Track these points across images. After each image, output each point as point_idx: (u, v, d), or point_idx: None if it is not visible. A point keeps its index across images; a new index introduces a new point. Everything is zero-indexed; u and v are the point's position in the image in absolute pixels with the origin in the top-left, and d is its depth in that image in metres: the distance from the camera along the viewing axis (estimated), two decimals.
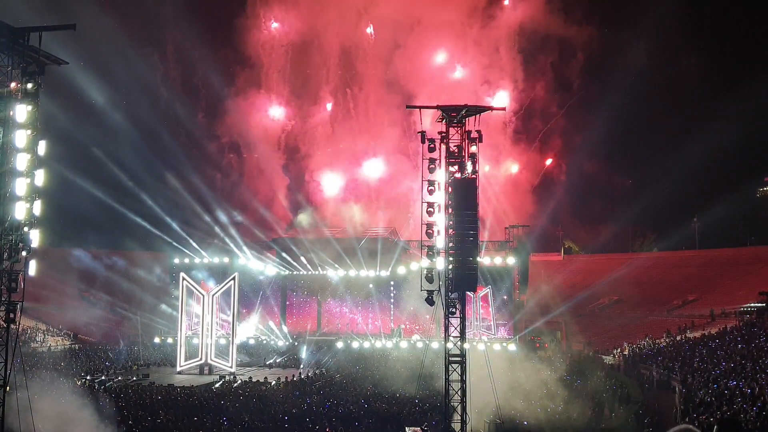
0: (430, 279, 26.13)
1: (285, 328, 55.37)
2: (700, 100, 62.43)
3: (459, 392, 24.63)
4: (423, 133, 26.31)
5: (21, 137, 22.46)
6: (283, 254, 55.57)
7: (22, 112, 22.53)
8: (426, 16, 67.43)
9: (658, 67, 62.83)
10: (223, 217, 58.33)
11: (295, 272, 56.01)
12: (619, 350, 47.22)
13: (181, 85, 69.55)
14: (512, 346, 48.02)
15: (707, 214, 59.77)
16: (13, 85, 22.72)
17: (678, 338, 44.56)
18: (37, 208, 23.12)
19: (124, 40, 59.66)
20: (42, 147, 23.17)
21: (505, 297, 53.34)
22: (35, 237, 23.11)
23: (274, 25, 70.42)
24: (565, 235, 70.47)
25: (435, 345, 42.84)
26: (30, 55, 23.06)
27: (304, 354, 47.56)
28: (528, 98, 68.60)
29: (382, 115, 68.49)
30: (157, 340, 52.29)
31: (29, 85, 22.94)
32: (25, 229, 22.76)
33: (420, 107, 27.42)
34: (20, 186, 22.46)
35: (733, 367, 31.72)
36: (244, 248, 55.57)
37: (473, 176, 25.95)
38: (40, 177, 23.16)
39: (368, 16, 69.32)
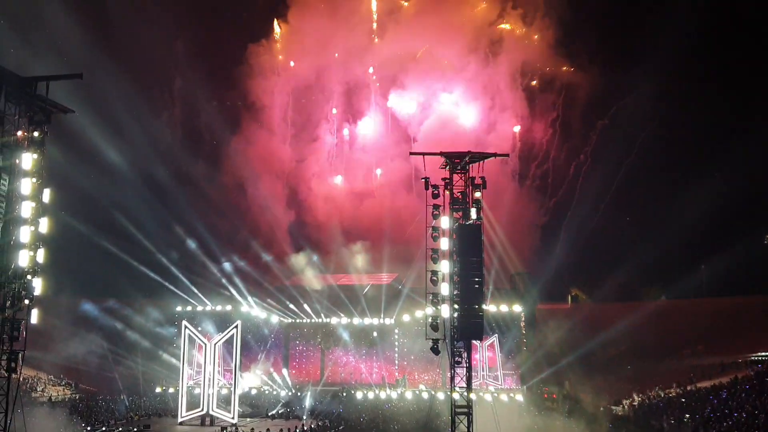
0: (435, 327, 25.90)
1: (288, 378, 54.69)
2: (708, 146, 62.48)
3: None
4: (427, 179, 26.36)
5: (26, 185, 22.59)
6: (286, 302, 55.17)
7: (28, 160, 22.69)
8: (426, 56, 68.47)
9: (664, 111, 63.02)
10: (226, 265, 58.12)
11: (298, 320, 55.58)
12: (629, 401, 46.46)
13: (186, 131, 70.29)
14: (520, 397, 47.30)
15: (715, 262, 59.33)
16: (19, 133, 22.93)
17: (688, 388, 43.87)
18: (41, 256, 23.11)
19: (130, 87, 60.41)
20: (47, 195, 23.26)
21: (512, 346, 52.71)
22: (38, 285, 23.04)
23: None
24: (572, 283, 69.91)
25: (441, 395, 42.34)
26: (37, 104, 23.30)
27: (307, 404, 46.90)
28: (531, 141, 69.22)
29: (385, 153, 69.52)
30: (158, 389, 51.72)
31: (36, 134, 23.17)
32: (29, 277, 22.70)
33: (423, 154, 27.45)
34: (24, 234, 22.49)
35: (745, 419, 31.12)
36: (248, 296, 55.25)
37: (478, 222, 25.89)
38: (45, 225, 23.20)
39: (370, 55, 70.41)
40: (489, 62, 69.13)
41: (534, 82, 69.29)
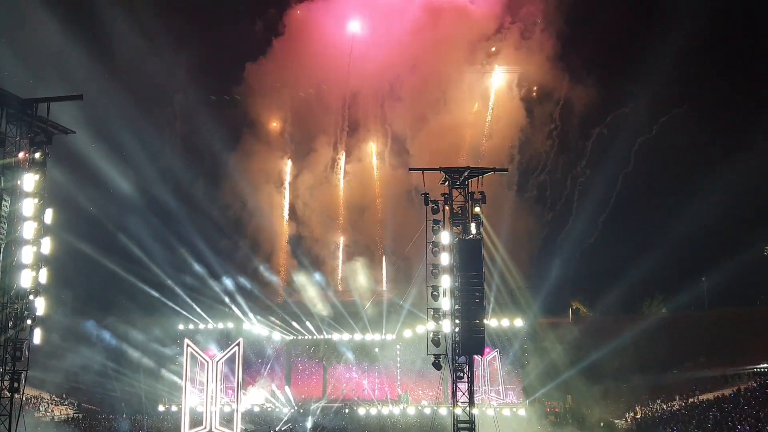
0: (436, 342, 25.95)
1: (290, 395, 54.59)
2: (707, 156, 62.59)
3: None
4: (426, 194, 26.50)
5: (28, 206, 22.73)
6: (288, 318, 55.14)
7: (29, 181, 22.85)
8: (423, 65, 68.83)
9: (663, 123, 63.33)
10: (228, 283, 58.14)
11: (300, 337, 55.50)
12: (631, 414, 46.35)
13: (186, 149, 70.49)
14: (522, 411, 47.21)
15: (715, 273, 59.28)
16: (21, 154, 23.10)
17: (691, 401, 43.77)
18: (43, 276, 23.20)
19: (131, 107, 60.76)
20: (49, 215, 23.38)
21: (513, 360, 52.65)
22: (40, 305, 23.12)
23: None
24: (573, 296, 69.85)
25: (443, 411, 42.23)
26: (38, 125, 23.49)
27: (309, 422, 46.81)
28: (530, 153, 69.44)
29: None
30: (161, 407, 51.62)
31: (37, 155, 23.34)
32: (31, 297, 22.79)
33: (423, 169, 27.56)
34: (26, 254, 22.61)
35: (748, 431, 31.11)
36: (249, 314, 55.23)
37: (478, 237, 25.99)
38: (47, 245, 23.30)
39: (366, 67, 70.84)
40: (485, 73, 69.55)
41: (534, 93, 69.52)
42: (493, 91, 69.72)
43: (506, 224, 65.80)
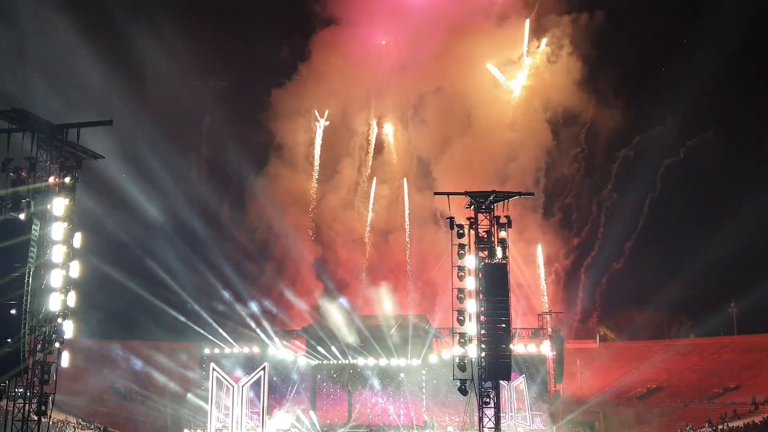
0: (462, 367, 25.75)
1: (315, 419, 54.32)
2: (737, 180, 62.02)
3: None
4: (452, 219, 26.45)
5: (57, 230, 22.97)
6: (313, 343, 54.99)
7: (59, 205, 23.11)
8: (447, 86, 69.01)
9: (690, 146, 62.90)
10: (254, 307, 58.23)
11: (325, 361, 55.30)
12: None
13: (213, 173, 71.22)
14: None
15: (745, 298, 58.44)
16: (51, 179, 23.39)
17: (720, 427, 42.96)
18: (72, 299, 23.38)
19: (159, 132, 61.59)
20: (78, 239, 23.61)
21: (540, 386, 52.02)
22: (69, 328, 23.28)
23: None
24: (600, 321, 69.18)
25: None
26: (68, 150, 23.82)
27: None
28: (556, 176, 69.23)
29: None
30: (186, 431, 51.58)
31: (67, 179, 23.63)
32: (59, 320, 22.96)
33: (448, 194, 27.50)
34: (55, 278, 22.80)
35: None
36: (275, 338, 55.18)
37: (503, 261, 25.84)
38: (75, 269, 23.51)
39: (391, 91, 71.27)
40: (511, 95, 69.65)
41: (561, 119, 69.36)
42: (518, 113, 69.67)
43: (532, 248, 65.62)
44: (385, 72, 71.51)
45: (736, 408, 47.60)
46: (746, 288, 56.40)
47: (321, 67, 71.35)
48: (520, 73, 69.58)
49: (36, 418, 22.59)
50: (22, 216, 21.99)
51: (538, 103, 69.44)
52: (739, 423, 42.64)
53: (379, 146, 73.07)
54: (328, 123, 72.27)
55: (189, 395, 54.47)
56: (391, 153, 72.54)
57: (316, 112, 71.73)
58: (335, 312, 58.35)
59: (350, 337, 54.26)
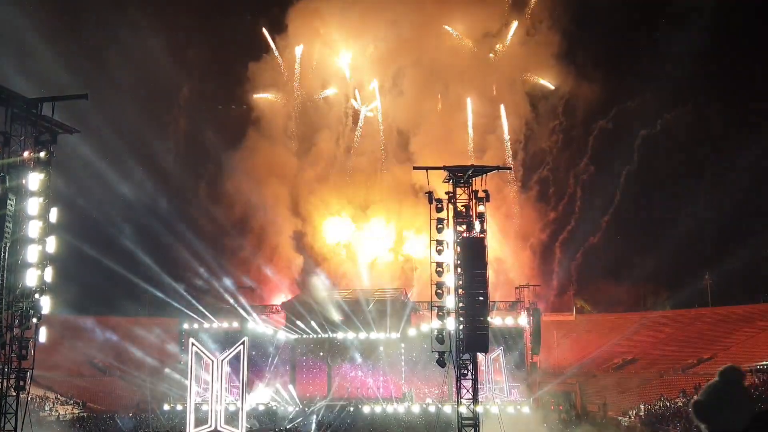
0: (440, 340, 25.95)
1: (295, 393, 54.64)
2: (712, 151, 62.58)
3: None
4: (430, 193, 26.49)
5: (33, 205, 22.74)
6: (292, 317, 55.16)
7: (34, 180, 22.86)
8: (425, 59, 68.77)
9: (668, 119, 63.18)
10: (232, 282, 58.21)
11: (304, 335, 55.52)
12: (634, 411, 46.37)
13: (190, 148, 70.65)
14: (526, 409, 47.22)
15: (719, 270, 59.27)
16: (26, 154, 23.11)
17: (694, 397, 43.73)
18: (49, 275, 23.23)
19: (135, 107, 60.99)
20: (54, 214, 23.41)
21: (517, 358, 52.59)
22: (46, 304, 23.16)
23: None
24: (577, 294, 69.92)
25: (447, 408, 42.28)
26: (43, 125, 23.53)
27: (314, 420, 46.86)
28: (533, 149, 69.47)
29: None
30: (166, 406, 51.70)
31: (42, 154, 23.35)
32: (36, 296, 22.82)
33: (426, 168, 27.52)
34: (32, 253, 22.62)
35: None
36: (254, 313, 55.27)
37: (482, 235, 25.98)
38: (52, 244, 23.34)
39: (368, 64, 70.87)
40: (489, 65, 69.49)
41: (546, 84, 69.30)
42: (496, 86, 69.59)
43: (510, 222, 65.93)
44: (363, 44, 71.01)
45: (709, 378, 48.29)
46: (721, 259, 57.28)
47: (298, 39, 70.86)
48: (498, 46, 69.52)
49: (15, 394, 22.54)
50: None
51: (517, 75, 69.49)
52: None
53: (357, 119, 72.81)
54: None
55: (168, 370, 54.54)
56: (369, 125, 72.26)
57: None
58: (316, 287, 58.56)
59: (333, 314, 54.37)
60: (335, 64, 71.90)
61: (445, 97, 69.89)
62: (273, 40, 71.27)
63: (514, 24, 68.51)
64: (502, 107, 68.25)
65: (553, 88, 68.25)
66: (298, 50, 70.99)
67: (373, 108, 71.84)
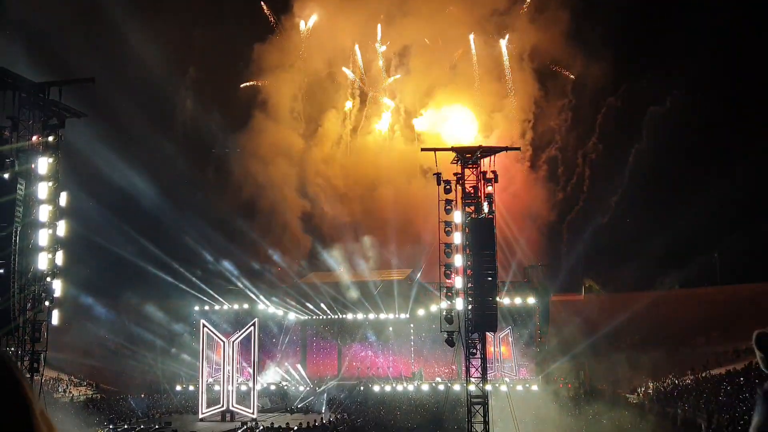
0: (449, 320, 26.08)
1: (305, 373, 55.05)
2: (722, 129, 62.03)
3: None
4: (438, 174, 26.49)
5: (43, 189, 22.89)
6: (302, 299, 55.42)
7: (43, 164, 22.99)
8: (434, 36, 68.50)
9: (677, 96, 62.61)
10: (242, 264, 58.32)
11: (314, 317, 55.80)
12: (643, 389, 46.52)
13: (196, 132, 70.57)
14: (535, 387, 47.47)
15: (728, 249, 59.05)
16: (34, 138, 23.24)
17: (703, 375, 43.88)
18: (60, 258, 23.42)
19: (141, 90, 60.91)
20: (63, 198, 23.56)
21: (526, 338, 52.78)
22: (58, 287, 23.38)
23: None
24: (586, 274, 69.82)
25: (457, 387, 42.53)
26: (50, 109, 23.63)
27: (325, 398, 47.28)
28: (542, 128, 69.06)
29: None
30: (178, 387, 52.22)
31: (50, 138, 23.49)
32: (48, 279, 23.04)
33: (434, 149, 27.49)
34: (43, 237, 22.80)
35: None
36: (263, 295, 55.53)
37: (490, 216, 26.01)
38: (62, 228, 23.51)
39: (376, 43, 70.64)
40: (495, 45, 69.02)
41: (553, 68, 68.80)
42: (507, 63, 69.08)
43: (519, 202, 65.73)
44: (369, 23, 70.64)
45: (718, 356, 48.55)
46: (730, 238, 57.05)
47: (304, 19, 70.56)
48: (508, 24, 69.05)
49: (28, 375, 22.82)
50: (6, 175, 21.87)
51: (526, 53, 68.99)
52: (721, 370, 43.54)
53: (365, 98, 72.54)
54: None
55: (180, 351, 54.98)
56: (376, 104, 72.00)
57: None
58: (323, 267, 58.71)
59: (338, 293, 54.55)
60: (341, 44, 71.57)
61: (453, 74, 69.54)
62: (278, 20, 71.01)
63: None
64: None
65: (573, 77, 67.66)
66: (303, 25, 70.66)
67: (380, 87, 71.56)
